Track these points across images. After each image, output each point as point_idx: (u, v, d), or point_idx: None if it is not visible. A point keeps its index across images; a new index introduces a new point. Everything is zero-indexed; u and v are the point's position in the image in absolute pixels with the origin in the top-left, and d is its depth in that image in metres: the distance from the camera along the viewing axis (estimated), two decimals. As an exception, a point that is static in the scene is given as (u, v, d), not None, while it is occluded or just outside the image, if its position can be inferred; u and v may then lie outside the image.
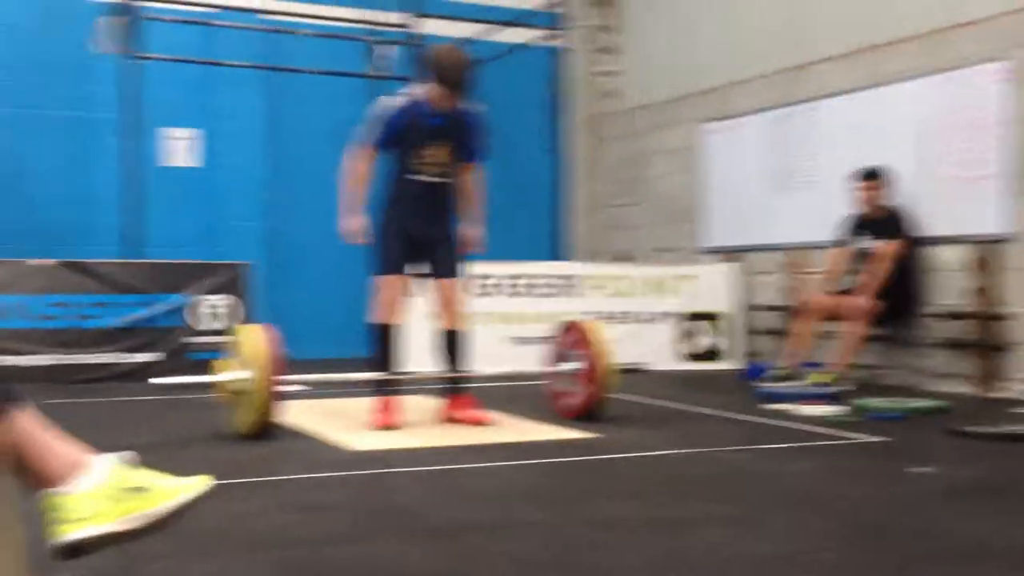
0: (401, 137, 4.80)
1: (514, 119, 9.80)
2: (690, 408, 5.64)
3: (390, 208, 4.90)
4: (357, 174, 4.86)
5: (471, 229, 5.03)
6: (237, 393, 4.47)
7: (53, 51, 8.33)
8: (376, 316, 4.85)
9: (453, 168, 4.94)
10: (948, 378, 6.51)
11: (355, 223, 4.85)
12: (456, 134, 4.89)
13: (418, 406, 5.49)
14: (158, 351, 7.00)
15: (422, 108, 4.75)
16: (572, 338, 5.19)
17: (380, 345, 4.89)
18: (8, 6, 8.24)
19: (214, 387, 4.56)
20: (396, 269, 4.88)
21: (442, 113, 4.76)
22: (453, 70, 4.66)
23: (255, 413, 4.37)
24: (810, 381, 6.25)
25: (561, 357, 5.24)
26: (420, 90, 4.79)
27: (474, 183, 5.04)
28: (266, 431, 4.43)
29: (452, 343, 5.02)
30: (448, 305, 5.01)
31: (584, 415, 5.01)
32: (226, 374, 4.50)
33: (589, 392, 4.98)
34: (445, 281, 5.00)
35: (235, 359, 4.56)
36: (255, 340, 4.44)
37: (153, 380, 4.77)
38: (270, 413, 4.40)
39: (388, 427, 4.73)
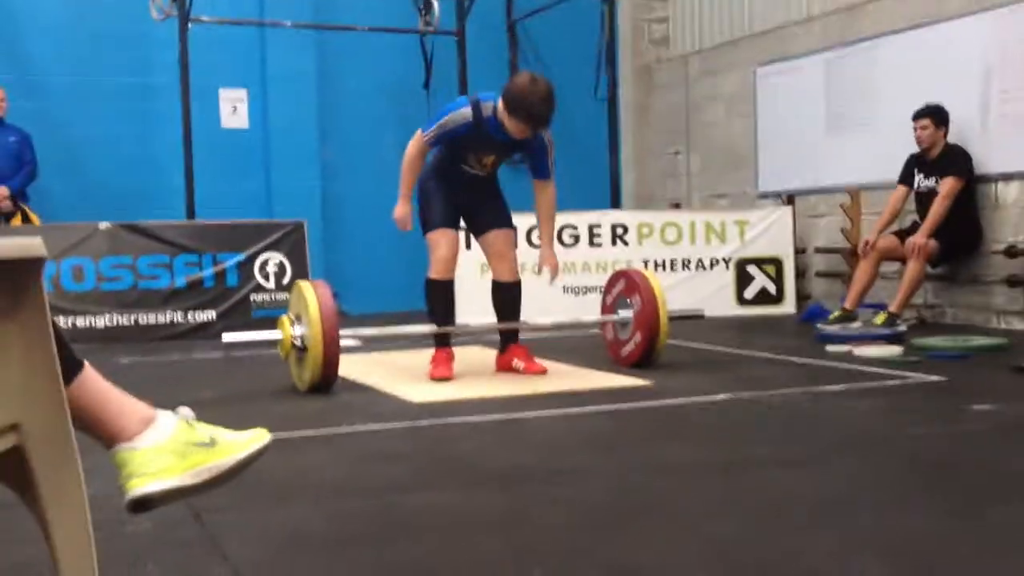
0: (461, 143, 4.79)
1: (565, 70, 9.69)
2: (748, 352, 5.62)
3: (436, 179, 4.91)
4: (413, 163, 4.86)
5: (545, 251, 4.99)
6: (297, 349, 4.56)
7: (111, 19, 8.42)
8: (430, 271, 4.89)
9: (498, 167, 4.98)
10: (1009, 315, 6.41)
11: (404, 211, 4.90)
12: (518, 150, 4.89)
13: (475, 357, 5.54)
14: (220, 309, 7.12)
15: (491, 125, 4.68)
16: (624, 286, 5.19)
17: (435, 299, 4.94)
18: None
19: (277, 343, 4.66)
20: (447, 223, 4.90)
21: (507, 134, 4.69)
22: (532, 108, 4.55)
23: (314, 368, 4.45)
24: (870, 322, 6.20)
25: (614, 305, 5.25)
26: (495, 109, 4.65)
27: (546, 200, 4.97)
28: (326, 385, 4.51)
29: (505, 295, 5.05)
30: (500, 257, 5.03)
31: (639, 362, 5.02)
32: (285, 330, 4.59)
33: (643, 339, 4.98)
34: (496, 232, 5.02)
35: (293, 315, 4.65)
36: (311, 296, 4.51)
37: (225, 336, 4.85)
38: (329, 367, 4.47)
39: (443, 379, 4.79)
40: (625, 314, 5.12)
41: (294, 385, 4.68)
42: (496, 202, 5.05)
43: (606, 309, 5.35)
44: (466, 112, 4.70)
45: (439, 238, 4.88)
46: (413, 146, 4.86)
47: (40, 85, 8.18)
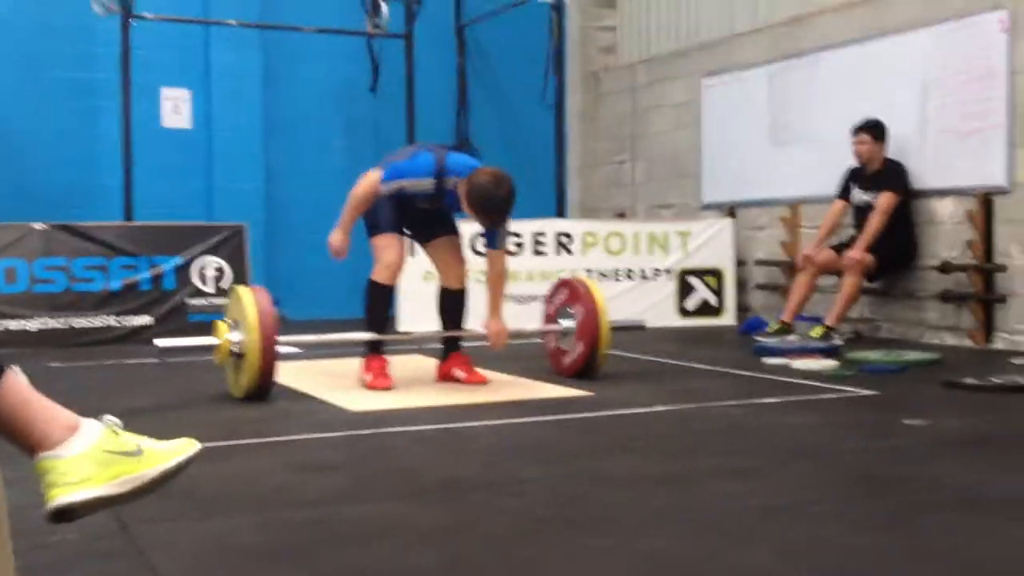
0: (413, 195, 4.77)
1: (513, 75, 9.76)
2: (688, 364, 5.65)
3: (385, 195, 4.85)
4: (361, 202, 4.77)
5: (492, 320, 4.93)
6: (234, 355, 4.48)
7: (53, 12, 8.26)
8: (374, 274, 4.84)
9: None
10: (943, 330, 6.52)
11: (341, 241, 4.82)
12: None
13: (415, 366, 5.51)
14: (156, 314, 7.00)
15: (450, 197, 4.68)
16: (566, 295, 5.19)
17: (375, 305, 4.89)
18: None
19: (213, 349, 4.57)
20: (393, 228, 4.86)
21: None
22: (494, 210, 4.59)
23: (251, 374, 4.38)
24: (807, 335, 6.27)
25: (556, 315, 5.25)
26: (456, 186, 4.64)
27: (497, 270, 4.91)
28: (263, 392, 4.45)
29: (451, 302, 5.02)
30: (447, 263, 5.01)
31: (581, 372, 5.02)
32: (221, 336, 4.51)
33: (585, 349, 4.99)
34: (443, 239, 5.00)
35: (231, 320, 4.57)
36: (249, 302, 4.45)
37: (157, 341, 4.77)
38: (266, 374, 4.41)
39: (381, 388, 4.74)
40: (567, 324, 5.12)
41: (230, 392, 4.60)
42: (445, 211, 5.01)
43: (548, 318, 5.34)
44: (428, 183, 4.68)
45: (387, 242, 4.83)
46: (366, 187, 4.76)
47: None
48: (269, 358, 4.38)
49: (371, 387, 4.76)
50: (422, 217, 4.94)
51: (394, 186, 4.72)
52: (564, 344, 5.17)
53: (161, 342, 4.74)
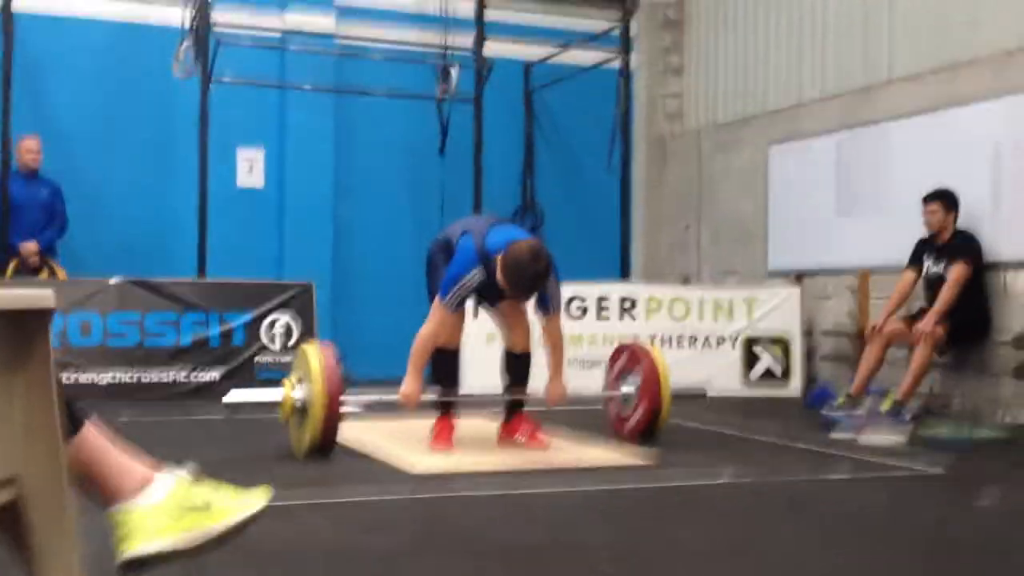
0: (476, 293, 4.82)
1: (581, 139, 9.84)
2: (752, 436, 5.58)
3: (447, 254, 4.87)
4: (429, 343, 4.74)
5: (553, 383, 4.95)
6: (297, 412, 4.53)
7: (136, 75, 8.56)
8: (435, 340, 4.84)
9: None
10: (1017, 407, 6.36)
11: (415, 392, 4.73)
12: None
13: (478, 428, 5.51)
14: (224, 370, 7.10)
15: (494, 283, 4.68)
16: (627, 360, 5.18)
17: (439, 368, 4.92)
18: (93, 35, 8.49)
19: (277, 406, 4.63)
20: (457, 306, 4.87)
21: None
22: (527, 284, 4.57)
23: (314, 432, 4.42)
24: (876, 408, 6.15)
25: (618, 381, 5.23)
26: (496, 269, 4.62)
27: (552, 333, 4.90)
28: (325, 450, 4.47)
29: (515, 364, 5.03)
30: (513, 327, 5.02)
31: (642, 436, 4.99)
32: (286, 392, 4.56)
33: (646, 412, 4.96)
34: (508, 302, 5.02)
35: (296, 378, 4.63)
36: (315, 359, 4.50)
37: (226, 399, 4.84)
38: (328, 432, 4.44)
39: (444, 450, 4.75)
40: (628, 389, 5.10)
41: (295, 449, 4.64)
42: None
43: (610, 385, 5.33)
44: (477, 274, 4.66)
45: (445, 318, 4.80)
46: (433, 323, 4.71)
47: (66, 138, 8.28)
48: (332, 414, 4.41)
49: (432, 447, 4.78)
50: (482, 288, 4.96)
51: (454, 296, 4.67)
52: (626, 410, 5.15)
53: (228, 397, 4.81)
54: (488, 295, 4.91)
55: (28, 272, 7.47)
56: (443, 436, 4.85)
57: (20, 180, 7.71)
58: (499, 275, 4.57)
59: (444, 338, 4.83)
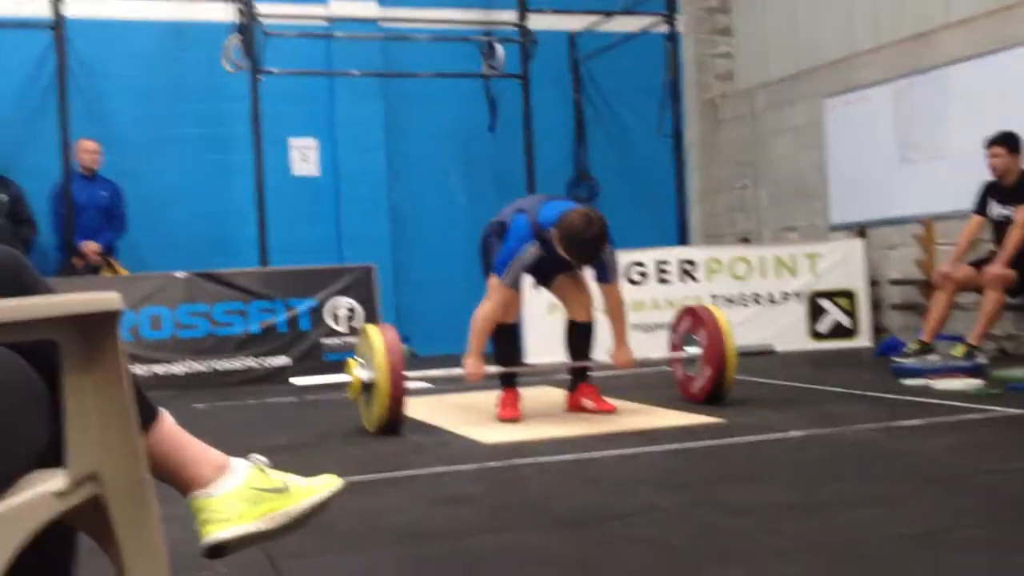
0: (532, 270, 4.83)
1: (631, 107, 9.78)
2: (822, 387, 5.53)
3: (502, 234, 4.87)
4: (489, 322, 4.77)
5: (619, 349, 4.97)
6: (364, 390, 4.61)
7: (185, 72, 8.69)
8: (491, 313, 4.87)
9: None
10: (1097, 346, 6.22)
11: (477, 367, 4.79)
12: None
13: (544, 397, 5.54)
14: (293, 354, 7.22)
15: (553, 253, 4.68)
16: (691, 323, 5.17)
17: (499, 343, 4.95)
18: (142, 36, 8.63)
19: (345, 386, 4.71)
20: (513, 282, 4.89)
21: None
22: (585, 249, 4.57)
23: (382, 409, 4.49)
24: (948, 354, 6.07)
25: (682, 342, 5.23)
26: (554, 237, 4.63)
27: (612, 302, 4.91)
28: (394, 426, 4.54)
29: (578, 334, 5.04)
30: (572, 298, 5.04)
31: (710, 398, 4.99)
32: (352, 372, 4.64)
33: (712, 374, 4.95)
34: (564, 276, 5.03)
35: (361, 358, 4.70)
36: (377, 338, 4.56)
37: (293, 380, 4.94)
38: (396, 408, 4.50)
39: (512, 419, 4.80)
40: (693, 350, 5.09)
41: (364, 427, 4.72)
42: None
43: (674, 347, 5.32)
44: (534, 249, 4.69)
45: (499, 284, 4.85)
46: (492, 302, 4.74)
47: (122, 140, 8.44)
48: (398, 391, 4.48)
49: (501, 418, 4.83)
50: (538, 263, 4.98)
51: (512, 273, 4.71)
52: (691, 371, 5.15)
53: (297, 380, 4.90)
54: (544, 270, 4.92)
55: (89, 271, 7.67)
56: (510, 407, 4.89)
57: (80, 181, 7.89)
58: (557, 245, 4.58)
59: (502, 314, 4.86)
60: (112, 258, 7.92)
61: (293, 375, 7.10)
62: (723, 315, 5.09)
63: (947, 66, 7.24)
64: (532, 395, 5.43)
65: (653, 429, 4.44)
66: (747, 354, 5.20)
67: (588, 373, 5.12)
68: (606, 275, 4.87)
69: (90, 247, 7.76)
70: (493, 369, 4.92)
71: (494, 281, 4.77)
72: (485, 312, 4.78)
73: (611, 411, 4.89)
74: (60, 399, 1.44)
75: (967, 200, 6.59)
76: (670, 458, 3.83)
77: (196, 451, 1.82)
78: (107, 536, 1.50)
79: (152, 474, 1.69)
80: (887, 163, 7.82)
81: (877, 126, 7.89)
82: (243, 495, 1.81)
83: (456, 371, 4.94)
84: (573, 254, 4.60)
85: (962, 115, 7.10)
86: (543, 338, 7.05)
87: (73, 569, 1.67)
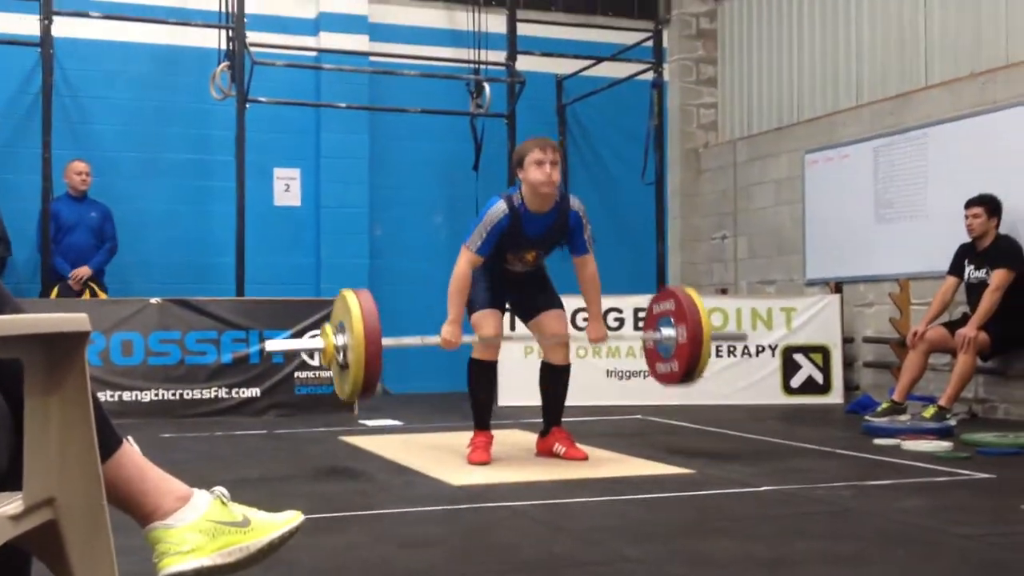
0: (502, 244, 4.78)
1: (614, 152, 9.85)
2: (793, 443, 5.53)
3: (481, 270, 4.85)
4: (463, 282, 4.75)
5: (593, 324, 5.00)
6: (340, 361, 4.48)
7: (173, 98, 8.69)
8: (474, 351, 4.89)
9: (543, 259, 4.98)
10: (1067, 412, 6.26)
11: (454, 334, 4.76)
12: (556, 238, 4.87)
13: (515, 440, 5.51)
14: (264, 386, 7.15)
15: (524, 216, 4.71)
16: (667, 304, 5.15)
17: (477, 381, 4.93)
18: (131, 58, 8.63)
19: (318, 353, 4.53)
20: (491, 304, 4.90)
21: (540, 219, 4.74)
22: (535, 141, 4.68)
23: (357, 373, 4.35)
24: (919, 415, 6.09)
25: (657, 321, 5.21)
26: (518, 196, 4.73)
27: (588, 275, 4.94)
28: (368, 390, 4.42)
29: (554, 377, 5.02)
30: (552, 334, 5.01)
31: (681, 381, 5.04)
32: (327, 339, 4.51)
33: (686, 359, 4.95)
34: (547, 314, 5.01)
35: (336, 324, 4.58)
36: (354, 302, 4.44)
37: (268, 344, 4.81)
38: (372, 373, 4.37)
39: (481, 463, 4.75)
40: (668, 332, 5.08)
41: (333, 464, 4.66)
42: (544, 286, 5.06)
43: (650, 321, 5.30)
44: (501, 206, 4.72)
45: (484, 319, 4.87)
46: (462, 262, 4.74)
47: (106, 161, 8.41)
48: (374, 355, 4.34)
49: (470, 461, 4.79)
50: (520, 288, 4.97)
51: (479, 237, 4.69)
52: (663, 353, 5.14)
53: (270, 344, 4.78)
54: (518, 242, 4.80)
55: (71, 295, 7.58)
56: (480, 450, 4.85)
57: (70, 202, 7.83)
58: (524, 178, 4.65)
59: (482, 351, 4.84)
60: (99, 281, 7.83)
61: (264, 407, 7.04)
62: (700, 298, 5.08)
63: (927, 127, 7.34)
64: (503, 437, 5.40)
65: (622, 478, 4.42)
66: (721, 338, 5.19)
67: (561, 418, 5.09)
68: (582, 245, 4.86)
69: (80, 273, 7.66)
70: (468, 338, 4.83)
71: (463, 249, 4.75)
72: (456, 273, 4.73)
73: (582, 458, 4.86)
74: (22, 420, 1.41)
75: (943, 261, 6.64)
76: (638, 508, 3.81)
77: (157, 481, 1.79)
78: (60, 562, 1.47)
79: (112, 502, 1.66)
80: (865, 220, 7.89)
81: (856, 183, 7.96)
82: (202, 528, 1.78)
83: (433, 339, 4.85)
84: (530, 150, 4.63)
85: (940, 176, 7.18)
86: (517, 381, 7.04)
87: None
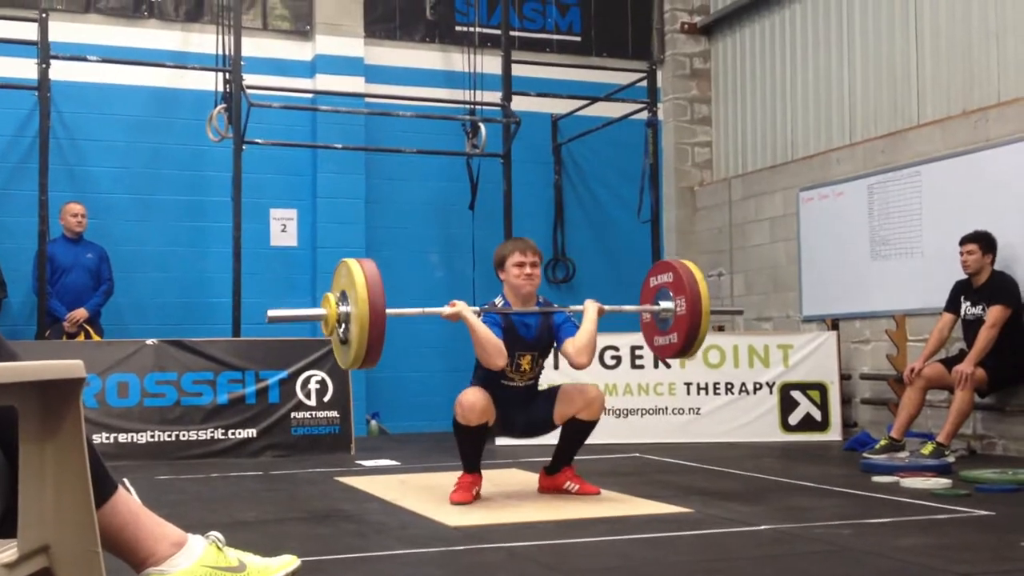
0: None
1: (610, 190, 9.89)
2: (792, 481, 5.51)
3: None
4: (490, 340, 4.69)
5: (590, 302, 4.96)
6: (340, 325, 4.39)
7: (170, 140, 8.73)
8: (457, 416, 4.76)
9: (538, 368, 4.98)
10: (1066, 448, 6.24)
11: (463, 305, 4.69)
12: (547, 337, 4.90)
13: (513, 479, 5.48)
14: (260, 427, 7.12)
15: (513, 320, 4.78)
16: (665, 276, 5.11)
17: (464, 443, 4.83)
18: (128, 101, 8.67)
19: (321, 319, 4.46)
20: (485, 390, 4.82)
21: (529, 322, 4.82)
22: (511, 242, 4.83)
23: (360, 341, 4.25)
24: (917, 452, 6.08)
25: (655, 294, 5.17)
26: (500, 300, 4.84)
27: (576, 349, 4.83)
28: (371, 360, 4.33)
29: (579, 427, 4.92)
30: (575, 398, 4.89)
31: (681, 352, 5.01)
32: (330, 308, 4.41)
33: (684, 332, 4.91)
34: (562, 392, 4.93)
35: (338, 293, 4.47)
36: (358, 270, 4.33)
37: (270, 312, 4.71)
38: (375, 341, 4.26)
39: (459, 502, 4.70)
40: (666, 304, 5.04)
41: (329, 506, 4.64)
42: (538, 394, 5.01)
43: (646, 295, 5.24)
44: (499, 301, 4.88)
45: (472, 390, 4.77)
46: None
47: (103, 203, 8.43)
48: (378, 323, 4.23)
49: (451, 500, 4.73)
50: (522, 406, 4.94)
51: (492, 322, 4.72)
52: (661, 325, 5.11)
53: (272, 312, 4.69)
54: (511, 348, 4.78)
55: (68, 336, 7.57)
56: (463, 490, 4.79)
57: (66, 244, 7.84)
58: (505, 282, 4.82)
59: (468, 416, 4.74)
60: (95, 322, 7.82)
61: (260, 448, 7.01)
62: (700, 271, 5.03)
63: (920, 164, 7.38)
64: (500, 477, 5.38)
65: (621, 517, 4.39)
66: (719, 312, 5.14)
67: (573, 457, 5.05)
68: (572, 330, 4.82)
69: (77, 316, 7.64)
70: (471, 309, 4.76)
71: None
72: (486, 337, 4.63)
73: (596, 493, 4.86)
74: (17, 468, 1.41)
75: (939, 297, 6.66)
76: (637, 548, 3.79)
77: (152, 527, 1.78)
78: (54, 612, 1.46)
79: (106, 548, 1.65)
80: (860, 257, 7.92)
81: (851, 220, 8.00)
82: (197, 574, 1.77)
83: (438, 309, 4.82)
84: (509, 251, 4.81)
85: (935, 213, 7.22)
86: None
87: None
